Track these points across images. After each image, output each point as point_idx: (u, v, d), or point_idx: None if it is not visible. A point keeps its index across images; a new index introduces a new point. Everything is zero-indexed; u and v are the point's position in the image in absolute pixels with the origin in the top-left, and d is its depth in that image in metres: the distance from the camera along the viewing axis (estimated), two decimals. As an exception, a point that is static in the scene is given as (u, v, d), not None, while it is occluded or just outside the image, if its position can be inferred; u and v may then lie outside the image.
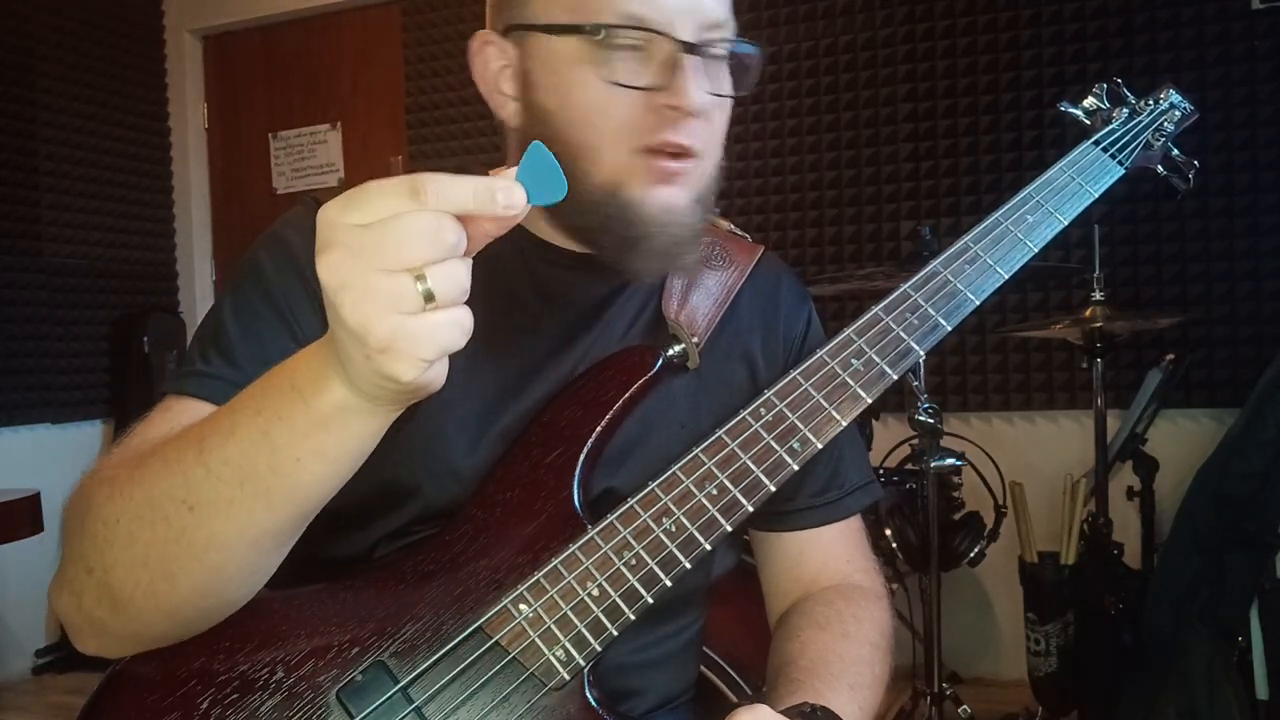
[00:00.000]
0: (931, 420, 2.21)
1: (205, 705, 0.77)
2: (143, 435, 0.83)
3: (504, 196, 0.59)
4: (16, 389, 3.62)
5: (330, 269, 0.58)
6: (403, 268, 0.57)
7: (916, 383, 2.29)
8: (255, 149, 4.29)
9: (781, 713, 0.80)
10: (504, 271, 0.97)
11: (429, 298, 0.58)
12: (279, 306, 0.89)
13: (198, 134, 4.35)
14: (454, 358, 0.91)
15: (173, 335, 4.04)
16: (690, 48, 0.84)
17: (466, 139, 3.86)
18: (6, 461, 3.54)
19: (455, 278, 0.59)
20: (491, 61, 0.93)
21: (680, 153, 0.87)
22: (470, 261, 0.61)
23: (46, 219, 3.75)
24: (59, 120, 3.80)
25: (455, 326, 0.60)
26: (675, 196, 0.88)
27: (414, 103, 3.98)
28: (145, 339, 3.90)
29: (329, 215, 0.59)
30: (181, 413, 0.85)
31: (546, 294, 0.97)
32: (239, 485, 0.69)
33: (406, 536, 0.90)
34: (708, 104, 0.86)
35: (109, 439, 3.93)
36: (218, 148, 4.37)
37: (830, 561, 1.07)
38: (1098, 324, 2.38)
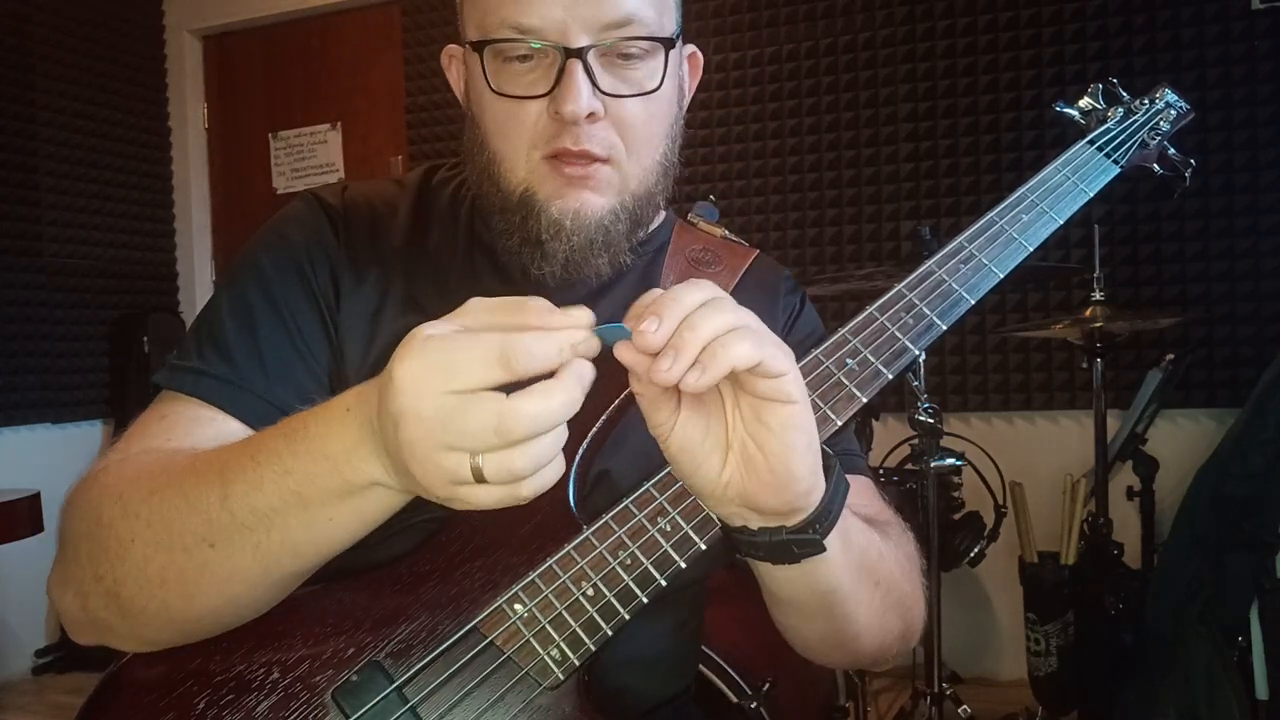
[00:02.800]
0: (931, 420, 2.21)
1: (202, 706, 0.78)
2: (142, 435, 0.85)
3: (585, 348, 0.62)
4: (16, 389, 3.62)
5: (406, 438, 0.61)
6: (464, 450, 0.60)
7: (916, 383, 2.29)
8: (255, 149, 4.30)
9: None
10: (498, 261, 0.99)
11: (479, 478, 0.60)
12: (277, 306, 0.90)
13: (198, 134, 4.35)
14: None
15: (173, 335, 4.04)
16: (571, 53, 0.86)
17: (466, 139, 3.86)
18: (6, 461, 3.54)
19: (508, 466, 0.60)
20: (454, 76, 1.00)
21: (583, 158, 0.89)
22: (559, 432, 0.62)
23: (46, 219, 3.75)
24: (59, 120, 3.80)
25: (507, 497, 0.62)
26: (586, 202, 0.90)
27: (414, 103, 3.99)
28: (145, 339, 3.90)
29: (420, 376, 0.60)
30: (179, 416, 0.86)
31: (540, 285, 0.98)
32: (266, 533, 0.70)
33: (401, 522, 0.90)
34: (591, 107, 0.87)
35: (109, 439, 3.93)
36: (218, 148, 4.37)
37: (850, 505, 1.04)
38: (1098, 324, 2.38)
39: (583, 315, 0.63)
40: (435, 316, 0.92)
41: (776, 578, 0.81)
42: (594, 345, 0.63)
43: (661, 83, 0.90)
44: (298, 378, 0.90)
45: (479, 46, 0.89)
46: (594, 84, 0.87)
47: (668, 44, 0.90)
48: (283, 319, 0.90)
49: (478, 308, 0.65)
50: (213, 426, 0.86)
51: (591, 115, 0.87)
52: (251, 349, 0.88)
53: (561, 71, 0.86)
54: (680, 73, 0.98)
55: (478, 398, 0.59)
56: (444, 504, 0.64)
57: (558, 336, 0.61)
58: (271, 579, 0.74)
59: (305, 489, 0.68)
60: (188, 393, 0.87)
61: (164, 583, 0.73)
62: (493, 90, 0.88)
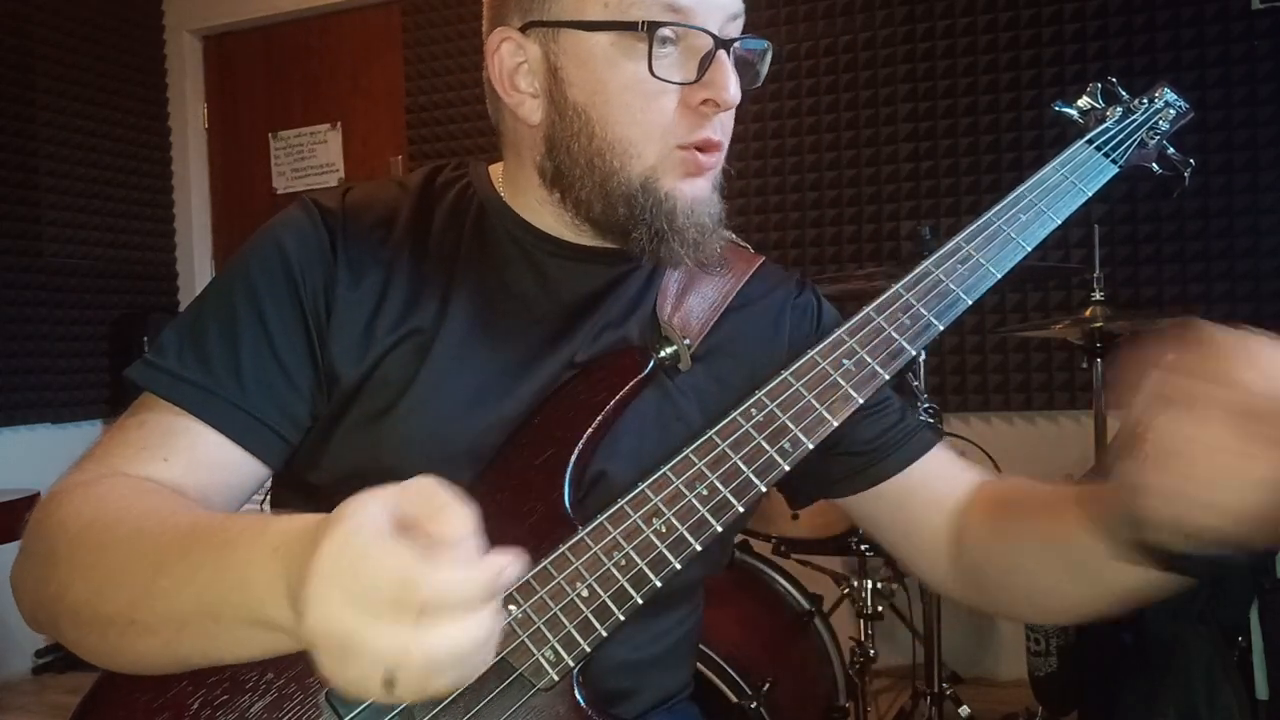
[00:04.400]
0: (931, 420, 2.20)
1: (195, 706, 0.77)
2: (122, 444, 0.86)
3: (510, 572, 0.58)
4: (16, 389, 3.62)
5: (311, 629, 0.56)
6: (372, 669, 0.56)
7: (916, 383, 2.29)
8: (255, 149, 4.30)
9: None
10: (502, 258, 0.97)
11: (389, 686, 0.56)
12: (263, 318, 0.89)
13: (198, 134, 4.35)
14: (449, 340, 0.91)
15: (173, 335, 4.04)
16: (725, 43, 0.87)
17: (466, 139, 3.86)
18: (6, 461, 3.54)
19: (425, 688, 0.56)
20: (507, 58, 0.93)
21: (710, 147, 0.90)
22: (488, 620, 0.57)
23: (46, 219, 3.75)
24: (59, 120, 3.80)
25: (412, 695, 0.57)
26: (701, 188, 0.92)
27: (414, 103, 3.99)
28: (145, 339, 3.90)
29: (327, 588, 0.55)
30: (156, 425, 0.87)
31: (545, 283, 0.97)
32: (178, 632, 0.70)
33: None
34: (738, 98, 0.89)
35: (109, 439, 3.93)
36: (218, 148, 4.37)
37: (960, 473, 1.02)
38: (1098, 324, 2.37)
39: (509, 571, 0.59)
40: (434, 320, 0.92)
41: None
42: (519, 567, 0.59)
43: (762, 80, 0.95)
44: (278, 392, 0.89)
45: (611, 26, 0.87)
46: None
47: (773, 47, 0.95)
48: (267, 331, 0.89)
49: (411, 501, 0.59)
50: (187, 437, 0.86)
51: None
52: (230, 358, 0.88)
53: (709, 59, 0.87)
54: None
55: (387, 623, 0.54)
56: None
57: (480, 570, 0.56)
58: (185, 666, 0.75)
59: (220, 609, 0.67)
60: (163, 396, 0.87)
61: (93, 632, 0.75)
62: (654, 74, 0.86)
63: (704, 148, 0.90)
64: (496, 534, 0.84)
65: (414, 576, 0.53)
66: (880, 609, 2.44)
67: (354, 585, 0.54)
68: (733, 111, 0.92)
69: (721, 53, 0.87)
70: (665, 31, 0.86)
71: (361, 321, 0.92)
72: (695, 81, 0.88)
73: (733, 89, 0.87)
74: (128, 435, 0.86)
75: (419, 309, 0.93)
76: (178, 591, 0.69)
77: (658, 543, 0.83)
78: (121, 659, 0.76)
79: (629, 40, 0.87)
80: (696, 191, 0.91)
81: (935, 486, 1.01)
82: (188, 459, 0.85)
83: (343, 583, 0.55)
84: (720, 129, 0.91)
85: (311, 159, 4.20)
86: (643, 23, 0.85)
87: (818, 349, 0.90)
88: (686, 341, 0.96)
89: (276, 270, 0.91)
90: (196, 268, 4.31)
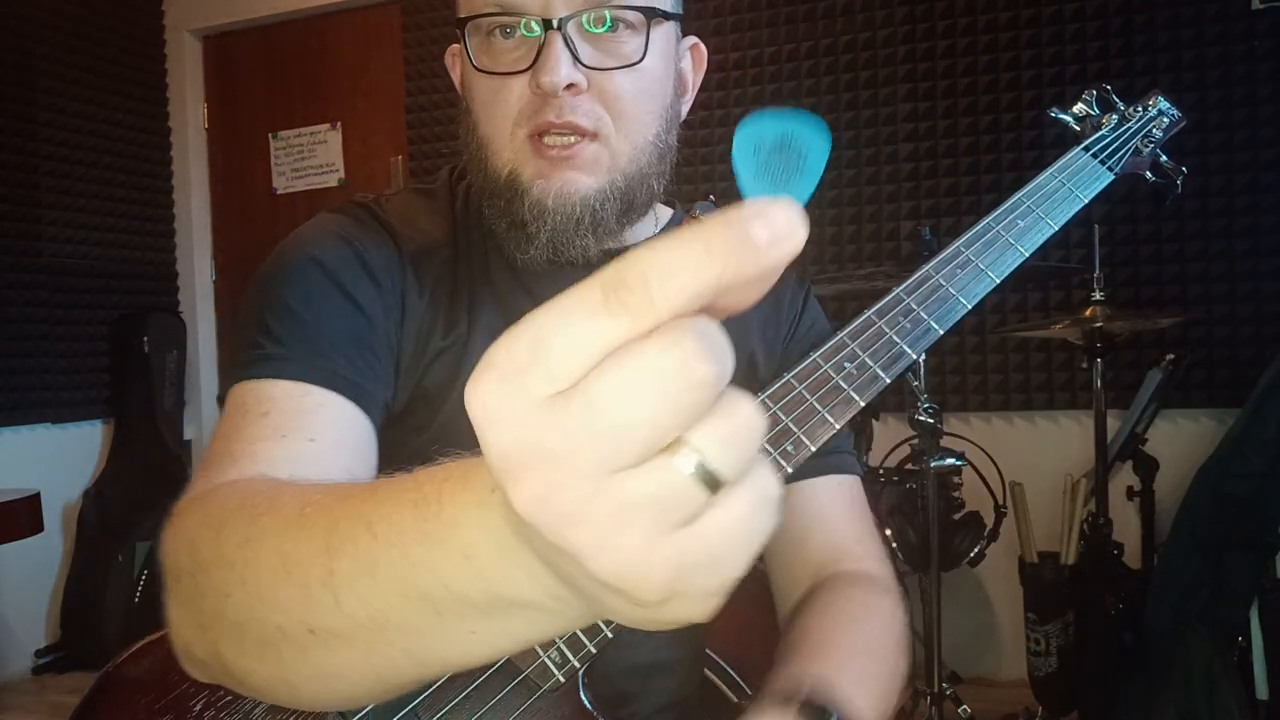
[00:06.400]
0: (931, 420, 2.20)
1: (199, 708, 0.77)
2: (250, 439, 0.76)
3: (764, 229, 0.34)
4: (16, 389, 3.62)
5: (535, 500, 0.35)
6: (653, 453, 0.34)
7: (916, 383, 2.29)
8: (255, 149, 4.29)
9: (778, 690, 0.78)
10: (516, 265, 0.97)
11: (711, 482, 0.34)
12: (335, 279, 0.88)
13: (198, 134, 4.34)
14: (478, 353, 0.91)
15: (173, 335, 4.04)
16: (550, 25, 0.84)
17: (466, 139, 3.86)
18: (6, 461, 3.54)
19: (743, 429, 0.35)
20: (456, 73, 0.98)
21: (567, 132, 0.86)
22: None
23: (46, 219, 3.74)
24: (59, 120, 3.80)
25: (766, 505, 0.36)
26: (570, 181, 0.87)
27: (414, 103, 3.98)
28: (145, 339, 3.89)
29: (492, 394, 0.34)
30: (282, 408, 0.79)
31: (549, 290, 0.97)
32: (382, 632, 0.49)
33: None
34: (571, 78, 0.84)
35: (109, 439, 3.93)
36: (218, 148, 4.36)
37: (836, 539, 1.01)
38: (1098, 324, 2.37)
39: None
40: (465, 331, 0.92)
41: None
42: (783, 217, 0.34)
43: (645, 55, 0.88)
44: (383, 364, 0.87)
45: (463, 24, 0.88)
46: (574, 56, 0.85)
47: (649, 13, 0.88)
48: (343, 290, 0.87)
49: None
50: (325, 412, 0.80)
51: (572, 87, 0.85)
52: (324, 329, 0.84)
53: (543, 45, 0.85)
54: (677, 56, 0.96)
55: (602, 380, 0.33)
56: (659, 602, 0.37)
57: (701, 231, 0.34)
58: (391, 684, 0.53)
59: (436, 592, 0.45)
60: (278, 378, 0.80)
61: (262, 658, 0.55)
62: (475, 67, 0.87)
63: (559, 134, 0.86)
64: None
65: (589, 290, 0.35)
66: (880, 609, 2.44)
67: (541, 359, 0.33)
68: (609, 95, 0.87)
69: (551, 34, 0.84)
70: (496, 24, 0.86)
71: (418, 335, 0.92)
72: (529, 69, 0.85)
73: (554, 72, 0.83)
74: (255, 429, 0.77)
75: (452, 323, 0.93)
76: (367, 576, 0.48)
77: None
78: (312, 688, 0.55)
79: (476, 39, 0.88)
80: (560, 185, 0.87)
81: (812, 514, 1.00)
82: (333, 434, 0.79)
83: (526, 365, 0.34)
84: (575, 112, 0.85)
85: (311, 159, 4.20)
86: (459, 19, 0.88)
87: (820, 352, 0.90)
88: None
89: (345, 251, 0.89)
90: (196, 268, 4.31)
